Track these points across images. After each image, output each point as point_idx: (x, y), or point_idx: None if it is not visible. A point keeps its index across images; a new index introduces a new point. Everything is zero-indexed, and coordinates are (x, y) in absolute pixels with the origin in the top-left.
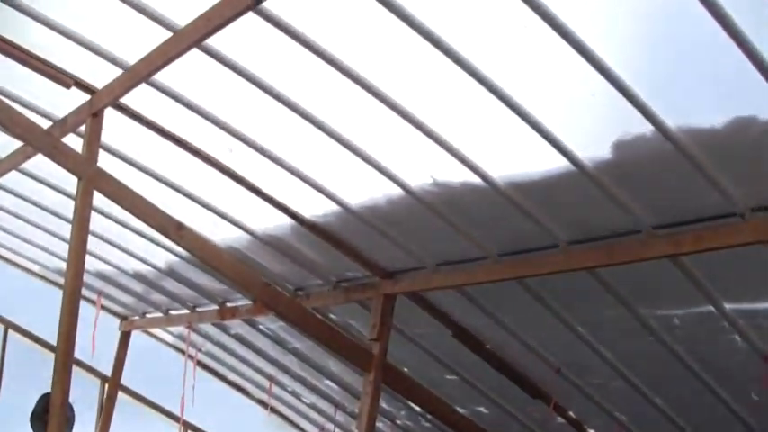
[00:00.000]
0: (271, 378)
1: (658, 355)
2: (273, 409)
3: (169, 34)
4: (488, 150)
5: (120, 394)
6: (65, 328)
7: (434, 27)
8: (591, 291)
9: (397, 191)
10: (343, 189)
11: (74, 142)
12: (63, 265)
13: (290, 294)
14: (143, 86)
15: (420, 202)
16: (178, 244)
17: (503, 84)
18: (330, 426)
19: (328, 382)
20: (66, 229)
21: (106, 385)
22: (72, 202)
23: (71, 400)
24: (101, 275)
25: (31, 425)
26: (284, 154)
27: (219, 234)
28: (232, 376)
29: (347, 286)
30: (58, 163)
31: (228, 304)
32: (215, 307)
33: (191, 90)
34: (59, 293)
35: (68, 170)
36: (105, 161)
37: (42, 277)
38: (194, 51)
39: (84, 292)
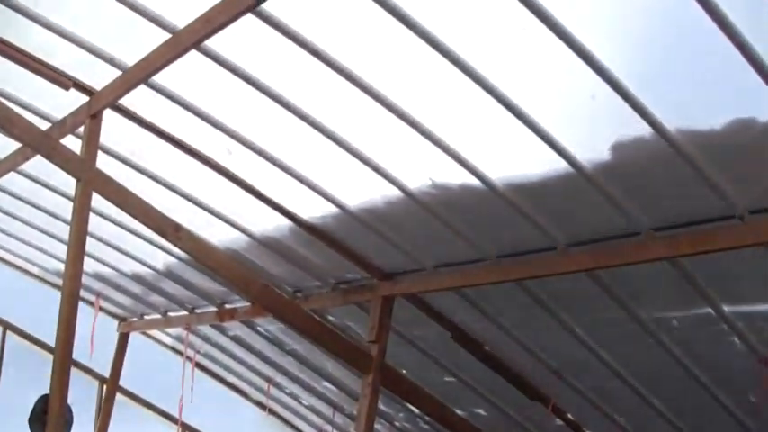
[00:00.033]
0: (269, 380)
1: (657, 357)
2: (272, 411)
3: (168, 36)
4: (487, 152)
5: (119, 396)
6: (63, 329)
7: (433, 29)
8: (589, 293)
9: (395, 192)
10: (341, 191)
11: (72, 144)
12: (61, 267)
13: (289, 296)
14: (142, 88)
15: (418, 203)
16: (176, 245)
17: (501, 86)
18: (328, 427)
19: (327, 383)
20: (64, 231)
21: (104, 387)
22: (70, 204)
23: (69, 401)
24: (99, 277)
25: (30, 426)
26: (283, 156)
27: (218, 235)
28: (230, 378)
29: (345, 288)
30: (57, 164)
31: (227, 306)
32: (213, 309)
33: (189, 92)
34: (58, 295)
35: (67, 171)
36: (104, 162)
37: (41, 279)
38: (193, 53)
39: (83, 293)
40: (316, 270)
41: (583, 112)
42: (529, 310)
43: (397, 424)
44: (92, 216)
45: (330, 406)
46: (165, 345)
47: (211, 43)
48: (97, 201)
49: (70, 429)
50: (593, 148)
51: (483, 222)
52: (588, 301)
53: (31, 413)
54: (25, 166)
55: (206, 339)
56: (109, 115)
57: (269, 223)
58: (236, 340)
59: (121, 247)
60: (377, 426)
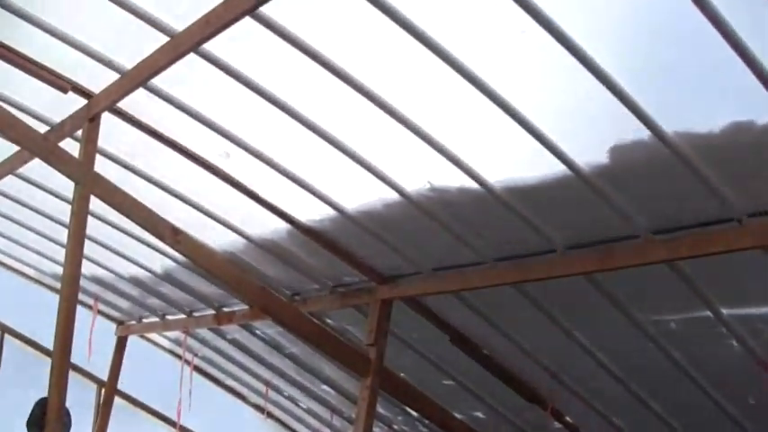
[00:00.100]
0: (267, 383)
1: (656, 359)
2: (270, 414)
3: (166, 39)
4: (485, 155)
5: (117, 399)
6: (61, 332)
7: (431, 32)
8: (588, 296)
9: (393, 195)
10: (339, 194)
11: (71, 147)
12: (60, 270)
13: (287, 299)
14: (140, 91)
15: (417, 206)
16: (174, 248)
17: (500, 89)
18: (327, 431)
19: (325, 386)
20: (62, 234)
21: (103, 390)
22: (69, 207)
23: (68, 404)
24: (97, 280)
25: (28, 429)
26: (281, 158)
27: (216, 238)
28: (229, 381)
29: (344, 291)
30: (55, 167)
31: (225, 309)
32: (211, 312)
33: (188, 95)
34: (56, 298)
35: (65, 174)
36: (102, 166)
37: (39, 282)
38: (191, 56)
39: (81, 296)
40: (314, 273)
41: (581, 116)
42: (527, 312)
43: (395, 427)
44: (90, 219)
45: (328, 409)
46: (164, 348)
47: (210, 46)
48: (95, 204)
49: None
50: (591, 152)
51: (481, 225)
52: (587, 304)
53: (30, 416)
54: (23, 170)
55: (204, 343)
56: (107, 118)
57: (267, 226)
58: (235, 343)
59: (119, 251)
60: (375, 429)
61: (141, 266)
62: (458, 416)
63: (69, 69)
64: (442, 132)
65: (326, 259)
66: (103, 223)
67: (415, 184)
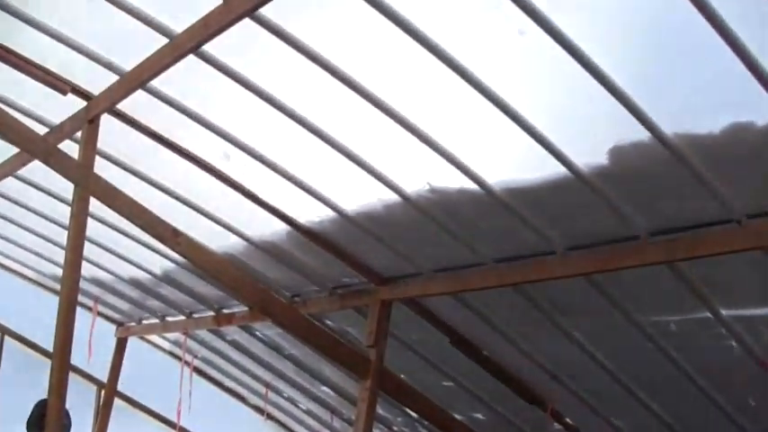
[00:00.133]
0: (267, 384)
1: (655, 361)
2: (270, 416)
3: (166, 41)
4: (485, 157)
5: (117, 400)
6: (61, 334)
7: (431, 33)
8: (588, 297)
9: (393, 197)
10: (339, 195)
11: (70, 148)
12: (59, 272)
13: (287, 301)
14: (140, 92)
15: (416, 208)
16: (174, 250)
17: (499, 90)
18: None
19: (325, 388)
20: (62, 236)
21: (102, 391)
22: (68, 209)
23: (67, 406)
24: (97, 282)
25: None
26: (280, 160)
27: (216, 240)
28: (228, 382)
29: (343, 292)
30: (55, 169)
31: (225, 311)
32: (211, 313)
33: (187, 96)
34: (56, 300)
35: (65, 176)
36: (101, 167)
37: (38, 284)
38: (191, 58)
39: (81, 298)
40: (314, 275)
41: (581, 117)
42: (527, 314)
43: (395, 428)
44: (90, 221)
45: (328, 410)
46: (163, 349)
47: (209, 48)
48: (95, 205)
49: None
50: (591, 153)
51: (481, 227)
52: (586, 305)
53: (30, 418)
54: (23, 171)
55: (204, 344)
56: (106, 120)
57: (267, 228)
58: (235, 345)
59: (119, 252)
60: (375, 430)
61: (141, 268)
62: (457, 417)
63: (69, 71)
64: (441, 134)
65: (326, 261)
66: (103, 225)
67: (415, 185)
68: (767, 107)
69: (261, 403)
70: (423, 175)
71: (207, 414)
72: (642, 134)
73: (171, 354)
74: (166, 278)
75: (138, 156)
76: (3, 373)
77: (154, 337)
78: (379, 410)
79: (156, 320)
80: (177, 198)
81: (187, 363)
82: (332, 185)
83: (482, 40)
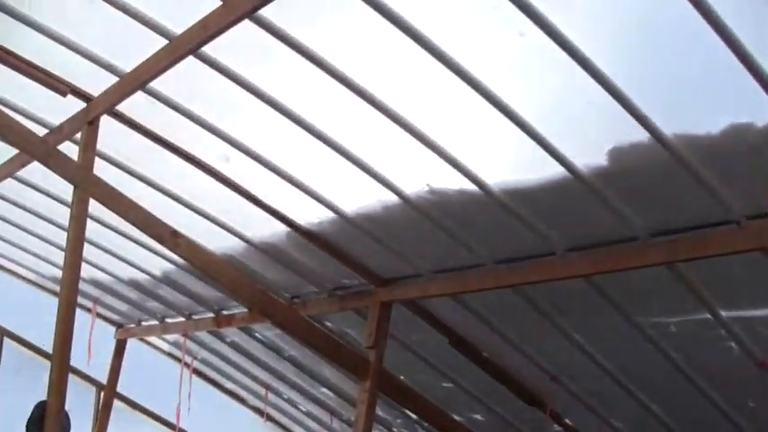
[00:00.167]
0: (266, 386)
1: (655, 362)
2: (269, 417)
3: (165, 42)
4: (484, 158)
5: (116, 402)
6: (60, 336)
7: (430, 35)
8: (587, 298)
9: (392, 198)
10: (338, 196)
11: (70, 150)
12: (59, 273)
13: (286, 302)
14: (139, 94)
15: (416, 209)
16: (174, 252)
17: (499, 91)
18: None
19: (324, 389)
20: (61, 237)
21: (102, 393)
22: (68, 210)
23: (67, 407)
24: (96, 283)
25: None
26: (280, 161)
27: (215, 242)
28: (228, 384)
29: (343, 294)
30: (54, 170)
31: (224, 312)
32: (211, 315)
33: (187, 98)
34: (55, 301)
35: (64, 178)
36: (101, 169)
37: (38, 285)
38: (190, 59)
39: (80, 299)
40: (313, 276)
41: (580, 118)
42: (527, 315)
43: (394, 430)
44: (89, 222)
45: (328, 412)
46: (163, 351)
47: (208, 49)
48: (94, 207)
49: None
50: (590, 154)
51: (481, 228)
52: (586, 307)
53: (29, 420)
54: (22, 173)
55: (203, 346)
56: (106, 121)
57: (266, 229)
58: (234, 346)
59: (119, 254)
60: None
61: (140, 269)
62: (457, 418)
63: (68, 72)
64: (441, 135)
65: (326, 262)
66: (102, 226)
67: (415, 186)
68: (767, 108)
69: (260, 405)
70: (422, 176)
71: (206, 415)
72: (642, 135)
73: (170, 355)
74: (166, 279)
75: (138, 157)
76: (2, 374)
77: (153, 339)
78: (379, 412)
79: (156, 322)
80: (176, 199)
81: (187, 364)
82: (331, 187)
83: (481, 41)
